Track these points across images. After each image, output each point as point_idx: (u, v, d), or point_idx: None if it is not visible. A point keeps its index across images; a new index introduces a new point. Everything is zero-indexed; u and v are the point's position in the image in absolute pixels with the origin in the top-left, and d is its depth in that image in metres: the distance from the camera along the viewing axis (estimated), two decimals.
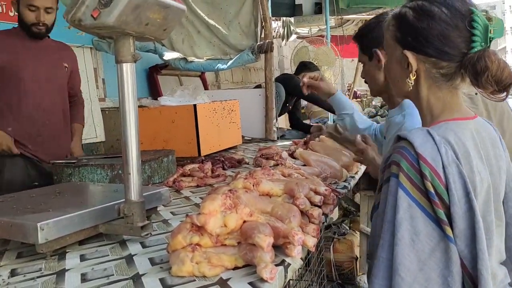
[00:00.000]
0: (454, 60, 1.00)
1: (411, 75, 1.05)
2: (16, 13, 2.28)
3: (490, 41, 0.98)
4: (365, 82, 1.75)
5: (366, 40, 1.64)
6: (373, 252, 1.02)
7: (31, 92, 2.29)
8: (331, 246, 3.58)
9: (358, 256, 3.52)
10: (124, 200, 1.17)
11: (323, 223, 1.27)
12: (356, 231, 3.74)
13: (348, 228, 3.83)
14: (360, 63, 1.75)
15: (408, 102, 1.50)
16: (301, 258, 1.04)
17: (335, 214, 4.18)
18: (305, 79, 1.95)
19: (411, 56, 1.03)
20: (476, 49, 0.97)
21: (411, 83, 1.05)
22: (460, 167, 0.93)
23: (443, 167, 0.93)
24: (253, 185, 1.21)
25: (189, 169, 2.06)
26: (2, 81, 2.24)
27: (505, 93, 0.99)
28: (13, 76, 2.24)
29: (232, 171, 2.19)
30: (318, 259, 2.80)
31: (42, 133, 2.34)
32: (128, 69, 1.14)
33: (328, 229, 3.72)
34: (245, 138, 3.35)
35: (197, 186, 1.92)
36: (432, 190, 0.91)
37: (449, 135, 0.97)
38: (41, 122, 2.33)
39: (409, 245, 0.91)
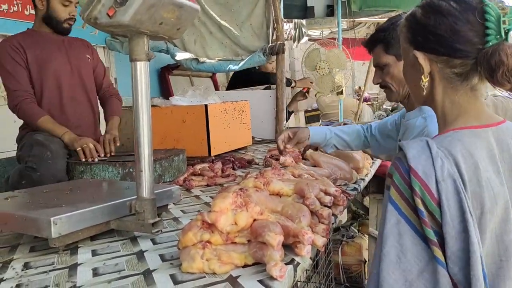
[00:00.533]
0: (468, 57, 0.92)
1: (423, 77, 0.98)
2: (32, 11, 2.29)
3: (507, 33, 0.90)
4: (382, 87, 1.64)
5: (395, 38, 1.50)
6: None
7: (63, 85, 2.30)
8: (340, 249, 3.57)
9: (367, 260, 3.50)
10: (135, 197, 1.19)
11: (332, 223, 1.28)
12: (365, 234, 3.73)
13: (356, 231, 3.82)
14: (376, 67, 1.64)
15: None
16: (310, 258, 1.05)
17: (343, 217, 4.18)
18: (287, 147, 1.87)
19: (420, 56, 0.98)
20: (491, 43, 0.90)
21: (424, 86, 0.99)
22: (457, 182, 0.85)
23: (436, 182, 0.85)
24: (264, 185, 1.22)
25: (199, 169, 2.07)
26: (37, 76, 2.24)
27: None
28: (45, 70, 2.25)
29: (242, 172, 2.20)
30: (326, 261, 2.80)
31: (78, 125, 2.34)
32: (142, 67, 1.15)
33: (337, 232, 3.72)
34: (255, 139, 3.35)
35: (207, 185, 1.94)
36: (421, 207, 0.84)
37: (454, 146, 0.89)
38: (75, 114, 2.34)
39: (394, 263, 0.85)
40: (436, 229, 0.84)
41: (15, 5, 3.03)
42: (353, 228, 3.86)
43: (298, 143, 1.91)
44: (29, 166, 1.94)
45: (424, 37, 0.97)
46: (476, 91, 0.97)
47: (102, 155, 2.11)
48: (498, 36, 0.90)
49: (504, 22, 0.89)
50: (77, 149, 2.07)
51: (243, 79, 4.01)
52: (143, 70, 1.15)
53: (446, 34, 0.93)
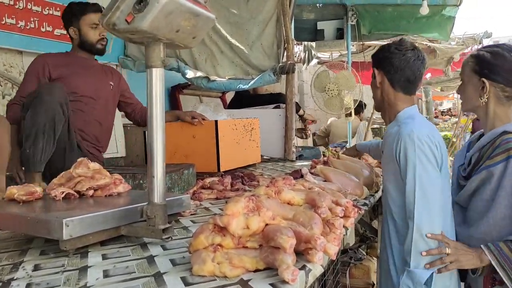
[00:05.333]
0: None
1: (485, 95, 1.58)
2: (62, 34, 2.37)
3: None
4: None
5: (373, 59, 1.83)
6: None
7: (82, 108, 2.39)
8: (347, 271, 3.51)
9: (375, 283, 3.44)
10: (147, 203, 1.19)
11: (343, 234, 1.26)
12: (373, 257, 3.67)
13: (365, 254, 3.76)
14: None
15: (402, 115, 1.74)
16: (321, 266, 1.03)
17: (351, 239, 4.12)
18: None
19: (487, 82, 1.57)
20: None
21: (485, 100, 1.59)
22: None
23: None
24: (275, 193, 1.22)
25: (209, 182, 2.07)
26: None
27: None
28: (68, 88, 2.27)
29: (251, 187, 2.19)
30: (334, 282, 2.75)
31: (90, 148, 2.44)
32: (157, 73, 1.17)
33: (345, 254, 3.67)
34: (264, 157, 3.35)
35: (217, 198, 1.93)
36: None
37: None
38: (91, 136, 2.45)
39: None
40: None
41: (32, 22, 3.09)
42: (361, 250, 3.81)
43: None
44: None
45: (490, 71, 1.57)
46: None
47: None
48: None
49: None
50: None
51: (240, 102, 4.13)
52: (158, 76, 1.17)
53: (506, 72, 1.56)
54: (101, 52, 2.49)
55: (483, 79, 1.58)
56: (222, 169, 2.55)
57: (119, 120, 3.90)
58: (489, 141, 1.57)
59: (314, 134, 7.23)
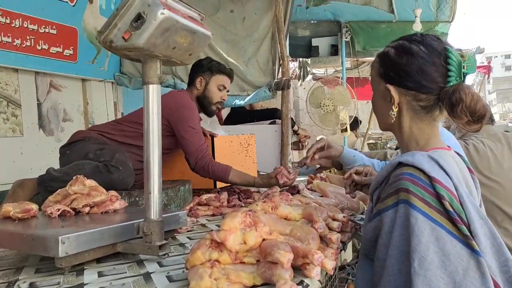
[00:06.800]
0: (432, 93, 1.08)
1: (393, 107, 1.13)
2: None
3: (465, 76, 1.07)
4: None
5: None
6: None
7: None
8: None
9: None
10: (143, 219, 1.19)
11: (340, 250, 1.26)
12: None
13: None
14: None
15: None
16: (319, 281, 1.03)
17: (349, 256, 4.10)
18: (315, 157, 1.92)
19: (393, 89, 1.12)
20: (451, 83, 1.06)
21: (394, 115, 1.14)
22: (464, 187, 1.01)
23: (455, 188, 0.98)
24: (272, 209, 1.22)
25: (205, 199, 2.07)
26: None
27: (479, 125, 1.06)
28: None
29: (247, 203, 2.19)
30: None
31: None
32: (154, 90, 1.18)
33: (342, 270, 3.64)
34: (260, 173, 3.35)
35: (213, 215, 1.93)
36: (451, 209, 0.94)
37: (445, 161, 1.03)
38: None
39: (441, 268, 0.91)
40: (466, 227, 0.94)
41: (28, 40, 3.11)
42: None
43: (327, 157, 1.92)
44: (113, 165, 1.94)
45: (396, 73, 1.12)
46: (436, 121, 1.14)
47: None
48: (458, 78, 1.06)
49: (463, 67, 1.06)
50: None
51: (236, 118, 4.16)
52: (155, 92, 1.17)
53: (416, 72, 1.09)
54: (212, 114, 2.53)
55: (388, 85, 1.13)
56: (218, 186, 2.54)
57: None
58: (386, 175, 1.10)
59: None
